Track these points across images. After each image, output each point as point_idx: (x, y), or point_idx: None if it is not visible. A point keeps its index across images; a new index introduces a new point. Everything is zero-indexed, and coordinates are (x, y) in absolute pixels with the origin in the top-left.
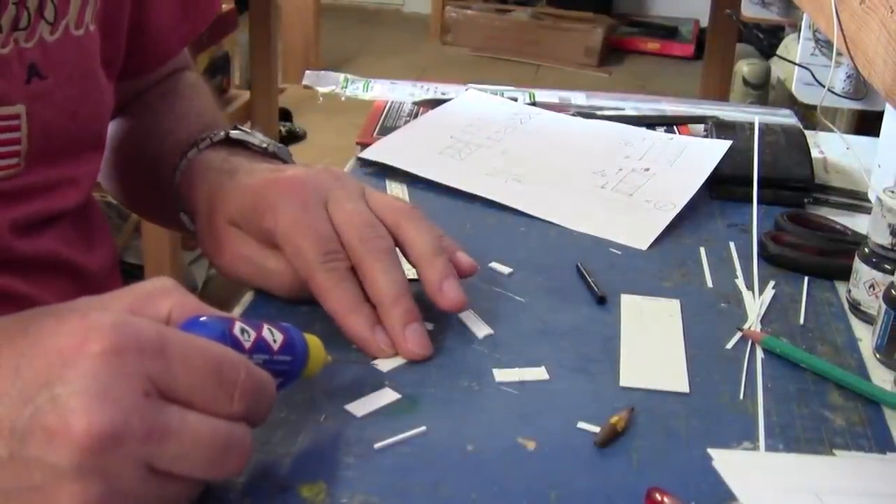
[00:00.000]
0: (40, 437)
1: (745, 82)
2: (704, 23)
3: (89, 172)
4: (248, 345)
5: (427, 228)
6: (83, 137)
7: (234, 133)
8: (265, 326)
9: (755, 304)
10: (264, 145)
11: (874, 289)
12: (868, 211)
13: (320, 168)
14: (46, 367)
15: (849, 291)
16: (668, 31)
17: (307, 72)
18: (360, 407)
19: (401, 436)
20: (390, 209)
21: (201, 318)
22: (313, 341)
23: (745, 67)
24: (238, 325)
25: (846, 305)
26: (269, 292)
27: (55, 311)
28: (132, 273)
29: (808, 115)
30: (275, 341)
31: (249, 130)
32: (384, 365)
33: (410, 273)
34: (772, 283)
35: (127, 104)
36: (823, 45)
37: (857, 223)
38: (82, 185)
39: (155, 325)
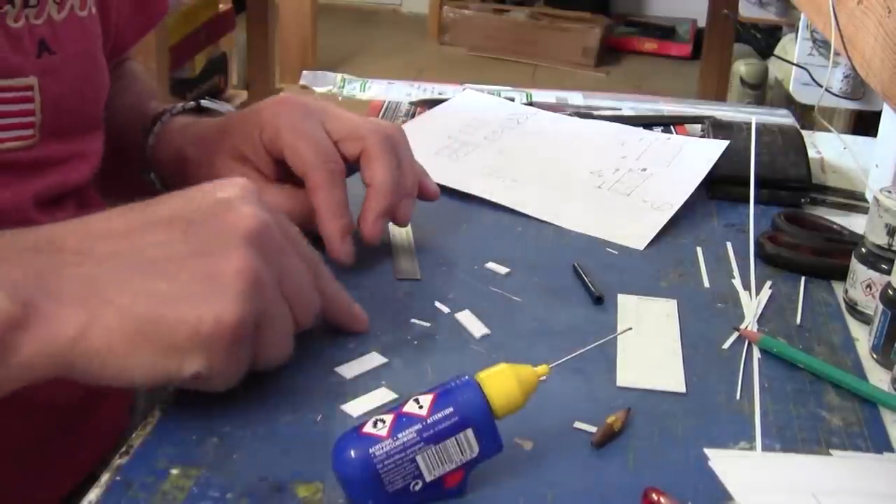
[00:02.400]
0: (217, 216)
1: (743, 82)
2: (702, 23)
3: (95, 149)
4: (384, 432)
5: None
6: (90, 115)
7: (205, 102)
8: (411, 399)
9: (752, 304)
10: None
11: (871, 289)
12: (865, 211)
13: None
14: (215, 188)
15: (846, 291)
16: (665, 32)
17: (304, 72)
18: (357, 407)
19: None
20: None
21: (349, 456)
22: (492, 373)
23: (742, 67)
24: (370, 422)
25: (843, 305)
26: None
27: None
28: None
29: (806, 115)
30: (421, 407)
31: (219, 101)
32: (348, 371)
33: (408, 273)
34: (769, 283)
35: None
36: (821, 45)
37: (854, 223)
38: (91, 160)
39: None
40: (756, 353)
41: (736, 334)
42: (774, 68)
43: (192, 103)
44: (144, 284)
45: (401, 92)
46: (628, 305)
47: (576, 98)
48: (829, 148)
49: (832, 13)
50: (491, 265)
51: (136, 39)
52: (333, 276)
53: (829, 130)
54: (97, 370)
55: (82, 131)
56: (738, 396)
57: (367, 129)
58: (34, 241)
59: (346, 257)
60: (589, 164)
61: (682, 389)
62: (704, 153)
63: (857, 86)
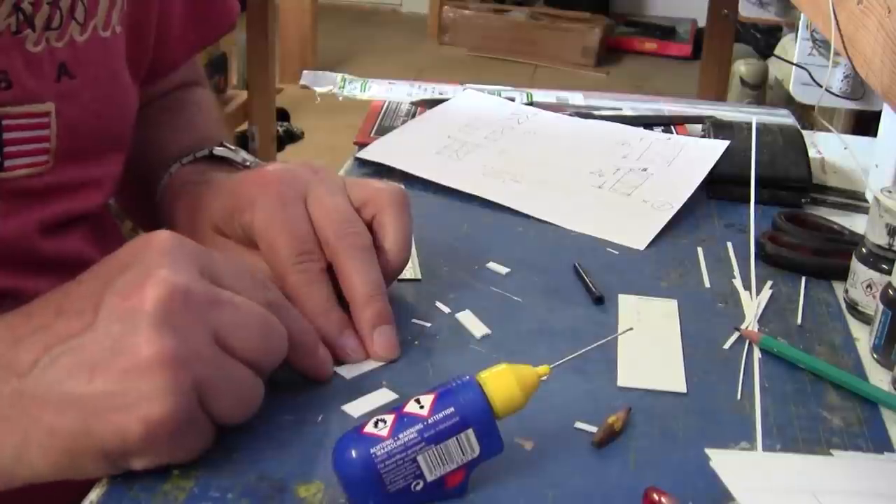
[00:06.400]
0: (121, 297)
1: (743, 82)
2: (702, 23)
3: (112, 174)
4: (385, 432)
5: (401, 229)
6: (107, 137)
7: (218, 150)
8: (412, 399)
9: (752, 304)
10: (247, 163)
11: (871, 289)
12: (865, 211)
13: (299, 163)
14: (127, 257)
15: (846, 291)
16: (665, 31)
17: (305, 72)
18: (357, 407)
19: None
20: (370, 201)
21: (350, 456)
22: (493, 373)
23: (742, 67)
24: (371, 422)
25: (843, 305)
26: None
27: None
28: None
29: (806, 115)
30: (422, 407)
31: (235, 148)
32: (348, 372)
33: (408, 273)
34: (769, 283)
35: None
36: (821, 45)
37: (855, 223)
38: (105, 187)
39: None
40: (757, 353)
41: (736, 334)
42: (774, 68)
43: (205, 151)
44: (67, 395)
45: (401, 92)
46: (629, 305)
47: (576, 98)
48: (829, 148)
49: (832, 13)
50: (491, 265)
51: (188, 57)
52: (299, 316)
53: (830, 130)
54: (44, 479)
55: (99, 155)
56: (738, 396)
57: (352, 228)
58: None
59: (354, 352)
60: (589, 164)
61: (683, 389)
62: (705, 153)
63: (857, 86)
